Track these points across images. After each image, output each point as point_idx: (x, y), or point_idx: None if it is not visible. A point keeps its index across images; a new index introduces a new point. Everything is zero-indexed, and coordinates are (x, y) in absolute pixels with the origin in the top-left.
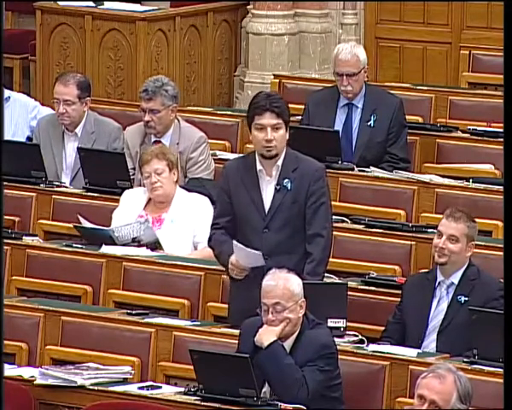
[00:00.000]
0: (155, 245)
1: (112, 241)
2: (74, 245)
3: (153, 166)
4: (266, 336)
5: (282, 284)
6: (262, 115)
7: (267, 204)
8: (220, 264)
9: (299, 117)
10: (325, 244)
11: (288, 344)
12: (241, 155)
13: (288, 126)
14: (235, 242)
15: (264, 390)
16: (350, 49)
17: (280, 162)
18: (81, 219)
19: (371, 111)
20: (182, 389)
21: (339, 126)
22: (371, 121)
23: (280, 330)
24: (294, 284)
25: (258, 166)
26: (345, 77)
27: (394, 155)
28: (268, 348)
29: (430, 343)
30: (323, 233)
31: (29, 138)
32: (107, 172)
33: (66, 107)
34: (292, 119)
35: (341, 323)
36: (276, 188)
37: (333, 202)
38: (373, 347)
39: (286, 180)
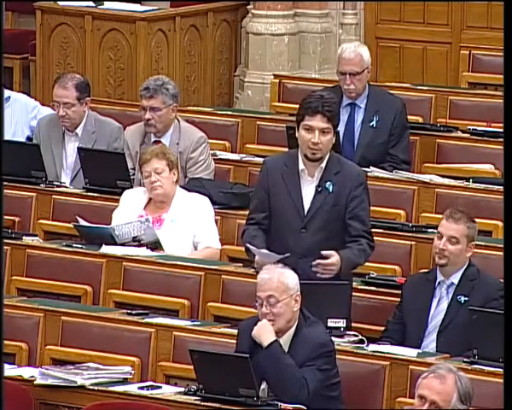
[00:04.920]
0: (156, 245)
1: (112, 239)
2: (74, 245)
3: (152, 165)
4: (265, 335)
5: (277, 278)
6: (313, 117)
7: (307, 205)
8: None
9: None
10: (372, 245)
11: (284, 341)
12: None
13: (336, 131)
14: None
15: (262, 388)
16: (354, 48)
17: (323, 164)
18: (80, 221)
19: (374, 112)
20: (182, 389)
21: (341, 126)
22: (373, 122)
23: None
24: (289, 277)
25: (301, 166)
26: (348, 76)
27: (395, 156)
28: (268, 348)
29: (430, 343)
30: (370, 238)
31: (29, 138)
32: (107, 172)
33: (66, 109)
34: (292, 118)
35: (341, 323)
36: (317, 189)
37: None
38: (373, 347)
39: (328, 183)
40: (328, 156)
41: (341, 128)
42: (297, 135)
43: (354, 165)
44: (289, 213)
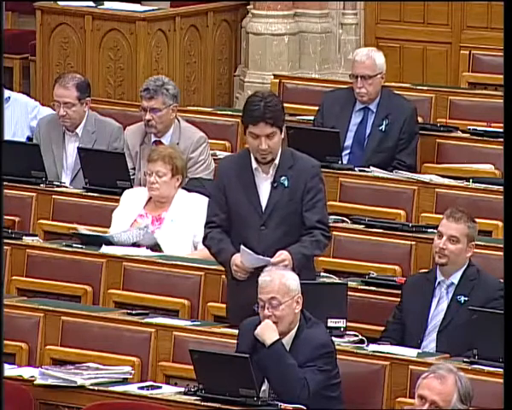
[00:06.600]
0: (155, 248)
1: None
2: (74, 245)
3: (156, 167)
4: (269, 334)
5: (278, 280)
6: (256, 125)
7: (264, 202)
8: (218, 262)
9: (300, 117)
10: (328, 235)
11: (286, 341)
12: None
13: (284, 127)
14: (242, 246)
15: (263, 389)
16: (367, 52)
17: (276, 161)
18: (79, 229)
19: (384, 116)
20: (182, 389)
21: (353, 129)
22: (383, 126)
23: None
24: (290, 279)
25: (254, 165)
26: (359, 79)
27: (402, 161)
28: (271, 347)
29: (430, 343)
30: (324, 228)
31: (29, 138)
32: (107, 172)
33: (66, 109)
34: (292, 118)
35: (341, 323)
36: (272, 185)
37: (333, 202)
38: (373, 347)
39: (283, 177)
40: (280, 152)
41: (352, 131)
42: (245, 137)
43: (308, 157)
44: (247, 211)
